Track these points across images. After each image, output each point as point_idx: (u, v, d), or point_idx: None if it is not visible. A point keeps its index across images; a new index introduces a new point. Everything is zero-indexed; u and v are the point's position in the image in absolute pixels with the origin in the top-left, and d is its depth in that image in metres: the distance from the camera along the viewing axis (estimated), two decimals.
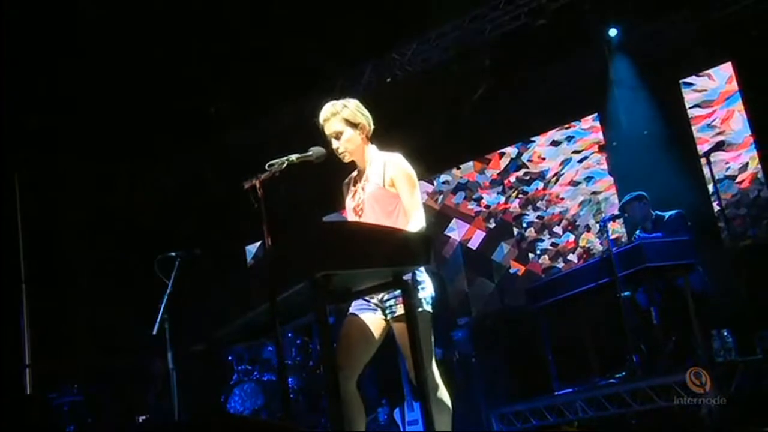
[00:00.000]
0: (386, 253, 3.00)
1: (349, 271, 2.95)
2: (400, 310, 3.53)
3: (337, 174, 4.00)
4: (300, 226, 2.91)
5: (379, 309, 3.63)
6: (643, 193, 6.34)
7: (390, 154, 3.75)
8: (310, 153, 3.66)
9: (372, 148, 3.80)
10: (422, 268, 3.58)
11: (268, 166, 3.49)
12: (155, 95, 7.81)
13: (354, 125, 3.72)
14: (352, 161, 3.80)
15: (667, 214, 6.16)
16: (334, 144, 3.74)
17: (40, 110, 7.68)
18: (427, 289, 3.60)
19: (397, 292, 3.50)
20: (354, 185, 3.84)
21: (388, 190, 3.65)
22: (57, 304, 8.06)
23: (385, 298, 3.60)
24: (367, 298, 3.61)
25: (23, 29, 6.74)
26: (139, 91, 7.73)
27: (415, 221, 3.58)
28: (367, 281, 3.23)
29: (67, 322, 8.12)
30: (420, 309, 3.51)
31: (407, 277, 3.35)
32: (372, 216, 3.65)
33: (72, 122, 7.91)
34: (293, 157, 3.57)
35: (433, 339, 3.62)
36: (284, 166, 3.52)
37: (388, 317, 3.60)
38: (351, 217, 3.81)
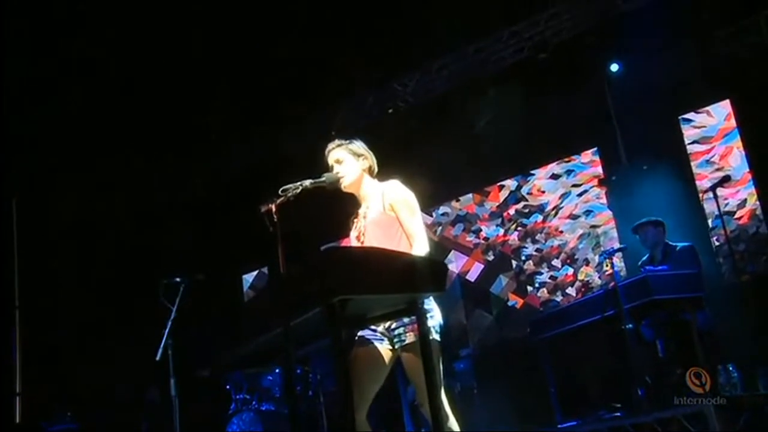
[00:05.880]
0: (403, 279, 2.97)
1: (367, 296, 2.92)
2: (409, 338, 3.50)
3: (346, 202, 3.99)
4: (315, 250, 2.88)
5: (386, 338, 3.59)
6: (661, 220, 6.29)
7: (388, 182, 3.78)
8: (323, 179, 3.68)
9: (373, 181, 3.83)
10: (430, 296, 3.55)
11: (282, 191, 3.51)
12: (157, 111, 7.83)
13: (357, 155, 3.78)
14: (352, 194, 3.82)
15: (679, 245, 6.14)
16: (335, 169, 3.77)
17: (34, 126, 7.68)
18: (435, 317, 3.57)
19: (406, 320, 3.49)
20: (356, 217, 3.86)
21: (388, 214, 3.65)
22: (51, 330, 7.95)
23: (393, 326, 3.56)
24: (373, 327, 3.58)
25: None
26: (139, 107, 7.74)
27: (418, 245, 3.58)
28: (381, 307, 3.20)
29: (60, 350, 8.00)
30: (430, 337, 3.47)
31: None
32: (374, 241, 3.64)
33: (67, 139, 7.90)
34: (307, 182, 3.60)
35: (441, 368, 3.58)
36: (298, 191, 3.54)
37: (397, 346, 3.56)
38: (353, 244, 3.80)
